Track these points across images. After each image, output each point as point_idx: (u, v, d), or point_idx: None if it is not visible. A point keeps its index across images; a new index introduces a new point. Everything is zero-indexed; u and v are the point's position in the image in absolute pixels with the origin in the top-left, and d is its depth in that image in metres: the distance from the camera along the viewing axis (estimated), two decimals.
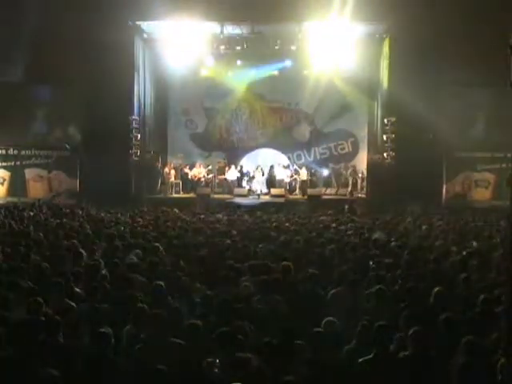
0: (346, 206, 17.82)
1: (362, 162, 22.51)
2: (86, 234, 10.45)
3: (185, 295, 6.36)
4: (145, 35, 20.49)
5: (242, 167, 22.27)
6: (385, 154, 19.98)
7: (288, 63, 21.58)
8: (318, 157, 23.37)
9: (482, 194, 20.69)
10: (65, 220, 12.89)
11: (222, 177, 22.22)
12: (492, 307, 5.70)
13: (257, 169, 22.01)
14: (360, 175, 21.99)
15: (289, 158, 23.10)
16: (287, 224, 13.09)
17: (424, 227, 12.42)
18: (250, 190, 21.37)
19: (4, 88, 20.49)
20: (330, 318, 5.26)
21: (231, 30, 20.00)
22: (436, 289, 6.13)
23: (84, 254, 8.30)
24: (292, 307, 6.21)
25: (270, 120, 23.40)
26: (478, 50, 17.63)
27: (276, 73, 22.25)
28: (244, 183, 21.71)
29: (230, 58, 21.16)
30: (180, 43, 19.81)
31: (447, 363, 4.60)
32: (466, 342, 4.65)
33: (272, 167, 21.87)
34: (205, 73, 21.75)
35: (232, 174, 21.84)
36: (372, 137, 21.96)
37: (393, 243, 9.89)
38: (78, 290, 6.46)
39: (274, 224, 12.81)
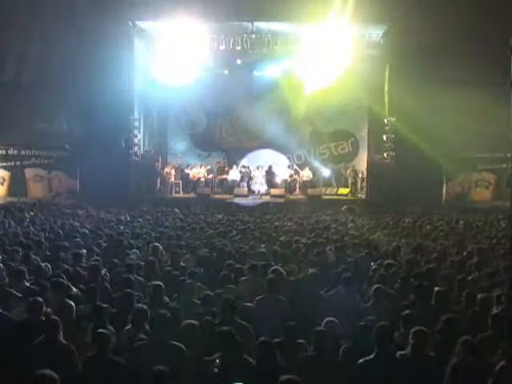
0: (345, 206, 17.81)
1: (362, 162, 22.50)
2: (86, 234, 10.45)
3: (184, 295, 6.36)
4: (144, 35, 20.48)
5: (243, 167, 22.28)
6: (385, 154, 19.98)
7: (288, 63, 21.55)
8: (318, 157, 23.37)
9: (481, 194, 20.69)
10: (65, 220, 12.89)
11: (222, 177, 22.20)
12: (491, 307, 5.71)
13: (257, 169, 22.01)
14: (360, 175, 21.99)
15: (289, 158, 23.09)
16: (287, 224, 13.08)
17: (424, 227, 12.43)
18: (249, 190, 21.36)
19: (4, 88, 20.49)
20: (331, 318, 5.26)
21: (231, 29, 20.01)
22: (437, 289, 6.13)
23: (84, 254, 8.30)
24: (292, 307, 6.22)
25: (270, 120, 23.38)
26: (478, 50, 17.62)
27: (276, 73, 22.25)
28: (244, 183, 21.70)
29: (230, 57, 21.14)
30: (180, 43, 19.82)
31: (447, 363, 4.61)
32: (463, 342, 4.66)
33: (270, 167, 21.92)
34: (204, 72, 21.74)
35: (233, 175, 21.81)
36: (372, 137, 21.93)
37: (392, 243, 9.91)
38: (77, 290, 6.46)
39: (274, 224, 12.81)
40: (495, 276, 7.11)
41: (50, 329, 4.92)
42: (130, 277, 6.69)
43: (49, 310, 5.51)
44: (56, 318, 5.06)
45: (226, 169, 22.32)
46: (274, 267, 7.35)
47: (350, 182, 21.81)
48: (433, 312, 5.58)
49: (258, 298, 6.33)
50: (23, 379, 4.25)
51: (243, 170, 22.19)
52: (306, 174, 21.53)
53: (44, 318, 5.23)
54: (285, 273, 7.29)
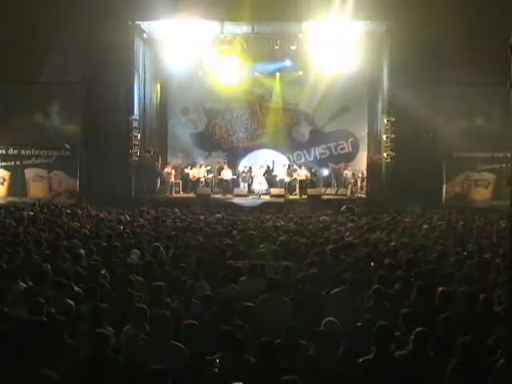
0: (344, 206, 17.81)
1: (362, 161, 22.51)
2: (86, 234, 10.45)
3: (184, 295, 6.36)
4: (145, 35, 20.46)
5: (236, 169, 22.27)
6: (385, 154, 19.96)
7: (288, 63, 21.59)
8: (318, 157, 23.37)
9: (481, 194, 20.68)
10: (65, 220, 12.88)
11: (221, 177, 22.18)
12: (492, 307, 5.71)
13: (257, 168, 21.98)
14: (360, 175, 21.99)
15: (289, 158, 23.08)
16: (287, 224, 13.08)
17: (424, 227, 12.42)
18: (249, 189, 21.36)
19: (4, 88, 20.49)
20: (331, 318, 5.26)
21: (231, 29, 20.01)
22: (440, 289, 6.12)
23: (83, 254, 8.30)
24: (293, 307, 6.22)
25: (270, 120, 23.39)
26: (478, 50, 17.62)
27: (276, 73, 22.27)
28: (244, 184, 21.69)
29: (230, 57, 21.12)
30: (180, 43, 19.81)
31: (447, 363, 4.61)
32: (463, 342, 4.66)
33: (268, 167, 21.92)
34: (205, 72, 21.73)
35: (225, 174, 21.77)
36: (372, 137, 21.94)
37: (392, 243, 9.91)
38: (77, 289, 6.46)
39: (274, 224, 12.81)
40: (495, 276, 7.11)
41: (57, 329, 4.91)
42: (130, 277, 6.69)
43: (52, 310, 5.51)
44: (62, 318, 5.06)
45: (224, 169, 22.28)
46: (285, 264, 7.38)
47: (347, 182, 21.82)
48: (433, 312, 5.58)
49: (259, 297, 6.33)
50: (24, 380, 4.25)
51: (241, 169, 22.19)
52: (302, 174, 21.44)
53: (45, 319, 5.23)
54: (292, 269, 7.32)
